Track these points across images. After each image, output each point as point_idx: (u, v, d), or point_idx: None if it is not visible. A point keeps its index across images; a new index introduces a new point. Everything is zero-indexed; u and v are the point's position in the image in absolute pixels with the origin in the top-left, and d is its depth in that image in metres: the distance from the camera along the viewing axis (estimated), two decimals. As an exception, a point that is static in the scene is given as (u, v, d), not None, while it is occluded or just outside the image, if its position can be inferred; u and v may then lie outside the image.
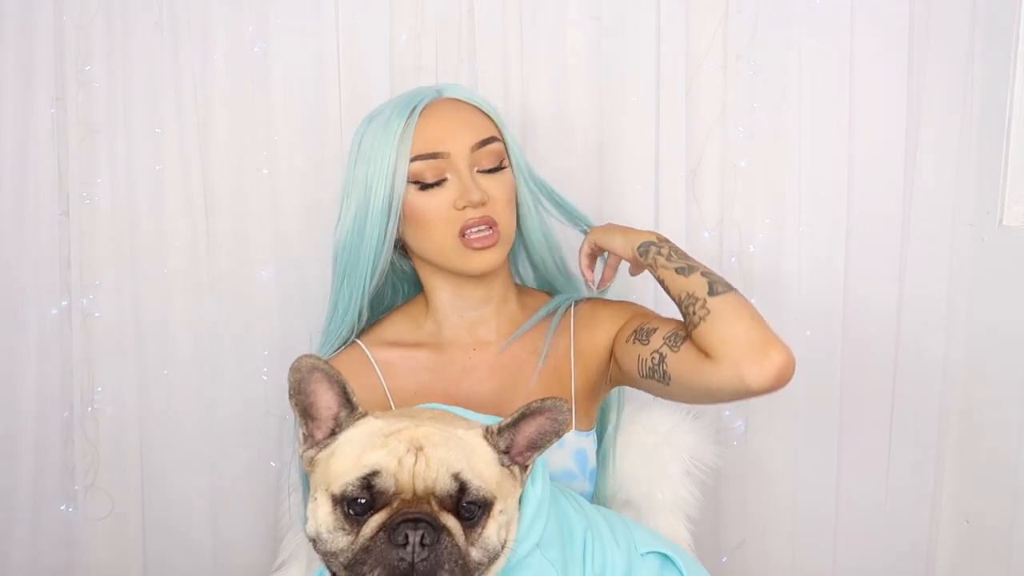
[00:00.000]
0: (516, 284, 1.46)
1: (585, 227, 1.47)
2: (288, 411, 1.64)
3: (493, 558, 1.02)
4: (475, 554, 0.99)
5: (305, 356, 1.04)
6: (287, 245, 1.74)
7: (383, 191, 1.30)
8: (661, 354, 1.28)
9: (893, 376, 1.80)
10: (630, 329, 1.36)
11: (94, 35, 1.68)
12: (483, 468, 1.01)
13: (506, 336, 1.39)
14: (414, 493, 0.97)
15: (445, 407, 1.16)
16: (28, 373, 1.71)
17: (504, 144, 1.36)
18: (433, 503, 0.97)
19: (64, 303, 1.73)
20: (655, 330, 1.31)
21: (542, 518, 1.12)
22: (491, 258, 1.32)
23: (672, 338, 1.28)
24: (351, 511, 0.98)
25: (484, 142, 1.32)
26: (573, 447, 1.37)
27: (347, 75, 1.70)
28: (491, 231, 1.31)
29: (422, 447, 0.99)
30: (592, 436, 1.41)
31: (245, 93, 1.71)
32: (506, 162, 1.36)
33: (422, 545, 0.94)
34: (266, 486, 1.79)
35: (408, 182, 1.30)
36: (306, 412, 1.06)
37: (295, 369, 1.04)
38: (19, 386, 1.71)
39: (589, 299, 1.45)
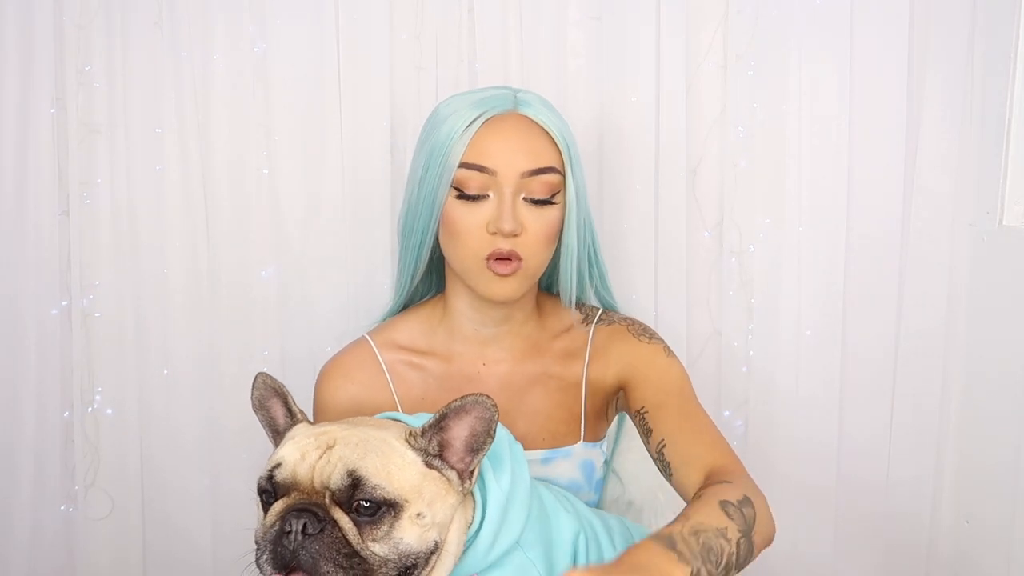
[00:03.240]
0: (540, 296, 1.41)
1: (597, 304, 1.42)
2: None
3: (414, 558, 1.02)
4: (378, 549, 1.00)
5: (261, 374, 1.12)
6: (287, 245, 1.74)
7: (430, 189, 1.27)
8: (663, 463, 1.28)
9: (893, 376, 1.80)
10: (636, 403, 1.32)
11: (94, 35, 1.68)
12: (396, 471, 1.02)
13: (520, 356, 1.36)
14: (312, 487, 1.00)
15: (399, 416, 1.16)
16: (28, 373, 1.71)
17: (564, 177, 1.29)
18: (327, 498, 1.00)
19: (64, 303, 1.73)
20: (651, 432, 1.29)
21: (518, 516, 1.11)
22: (509, 289, 1.27)
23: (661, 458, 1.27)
24: (263, 502, 1.03)
25: (538, 171, 1.25)
26: (580, 458, 1.36)
27: (347, 75, 1.70)
28: (514, 263, 1.26)
29: (333, 445, 1.02)
30: (600, 447, 1.40)
31: (245, 93, 1.70)
32: (559, 197, 1.28)
33: (305, 534, 0.98)
34: (266, 486, 1.79)
35: (451, 186, 1.26)
36: (271, 426, 1.13)
37: (254, 386, 1.12)
38: (19, 386, 1.71)
39: (607, 321, 1.40)
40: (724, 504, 1.09)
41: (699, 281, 1.78)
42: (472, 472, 1.08)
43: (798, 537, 1.81)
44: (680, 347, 1.75)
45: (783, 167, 1.74)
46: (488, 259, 1.25)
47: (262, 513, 1.03)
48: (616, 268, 1.74)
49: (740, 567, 1.09)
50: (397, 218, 1.39)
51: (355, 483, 0.99)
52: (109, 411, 1.76)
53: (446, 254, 1.31)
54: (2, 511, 1.73)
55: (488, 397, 1.05)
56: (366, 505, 0.99)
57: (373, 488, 1.00)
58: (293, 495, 1.01)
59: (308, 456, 1.02)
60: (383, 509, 1.00)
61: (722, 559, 1.05)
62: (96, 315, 1.74)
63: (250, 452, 1.77)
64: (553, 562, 1.14)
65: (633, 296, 1.73)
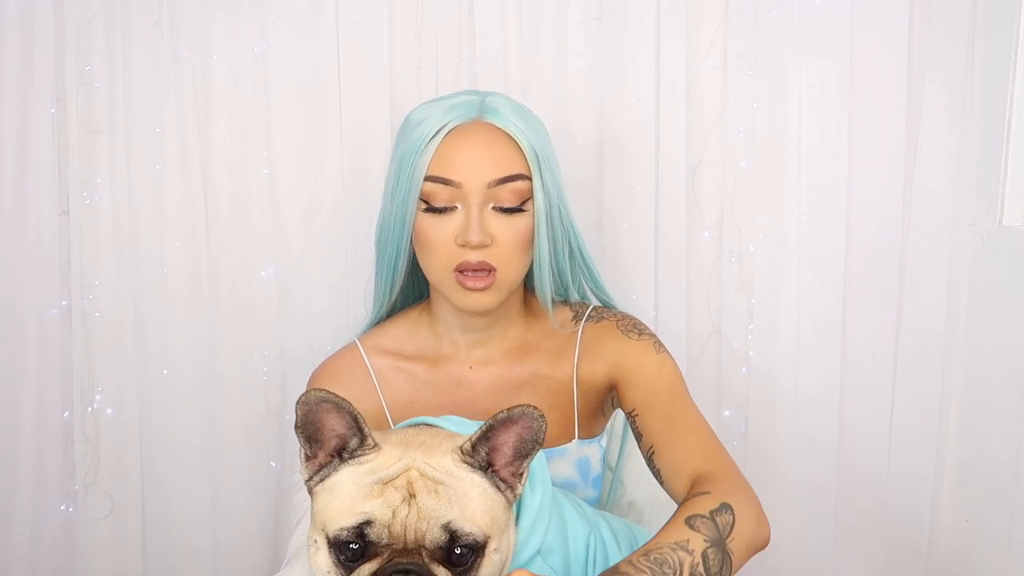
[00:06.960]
0: (527, 296, 1.41)
1: (595, 302, 1.41)
2: (288, 411, 1.64)
3: None
4: None
5: (313, 390, 1.03)
6: (287, 245, 1.74)
7: (401, 202, 1.27)
8: (654, 470, 1.27)
9: (893, 376, 1.80)
10: (628, 405, 1.31)
11: (94, 35, 1.68)
12: (475, 507, 1.01)
13: (507, 359, 1.36)
14: (404, 544, 0.99)
15: (431, 420, 1.14)
16: (28, 373, 1.71)
17: (532, 182, 1.27)
18: (424, 553, 0.99)
19: (64, 303, 1.73)
20: (641, 437, 1.28)
21: (542, 525, 1.12)
22: (484, 301, 1.27)
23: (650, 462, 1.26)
24: (343, 556, 1.00)
25: (505, 179, 1.25)
26: (575, 456, 1.36)
27: (347, 75, 1.70)
28: (487, 275, 1.25)
29: (415, 495, 1.00)
30: (596, 443, 1.40)
31: (245, 93, 1.70)
32: (529, 204, 1.27)
33: None
34: (266, 485, 1.79)
35: (419, 199, 1.26)
36: (311, 438, 1.05)
37: (303, 403, 1.02)
38: (19, 386, 1.71)
39: (597, 318, 1.39)
40: (691, 519, 1.09)
41: (699, 281, 1.78)
42: (522, 475, 1.07)
43: (798, 537, 1.81)
44: (680, 347, 1.75)
45: (783, 167, 1.74)
46: (457, 271, 1.25)
47: (337, 568, 1.00)
48: (616, 268, 1.74)
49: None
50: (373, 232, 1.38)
51: (451, 536, 0.99)
52: (109, 411, 1.76)
53: (421, 266, 1.32)
54: (2, 511, 1.73)
55: (535, 408, 1.03)
56: (459, 554, 0.99)
57: (467, 535, 0.99)
58: (387, 553, 0.99)
59: (398, 512, 0.99)
60: (472, 552, 1.00)
61: (682, 570, 1.04)
62: (96, 315, 1.73)
63: (250, 451, 1.77)
64: (570, 566, 1.15)
65: (633, 296, 1.73)
